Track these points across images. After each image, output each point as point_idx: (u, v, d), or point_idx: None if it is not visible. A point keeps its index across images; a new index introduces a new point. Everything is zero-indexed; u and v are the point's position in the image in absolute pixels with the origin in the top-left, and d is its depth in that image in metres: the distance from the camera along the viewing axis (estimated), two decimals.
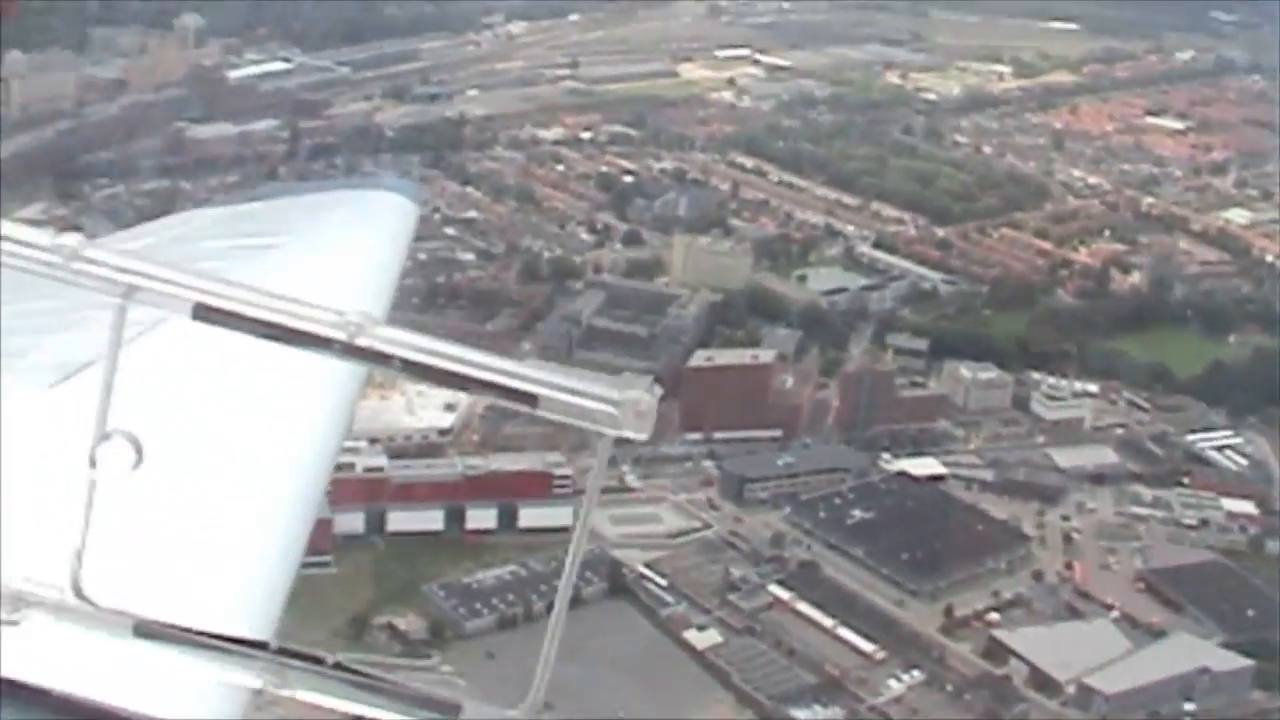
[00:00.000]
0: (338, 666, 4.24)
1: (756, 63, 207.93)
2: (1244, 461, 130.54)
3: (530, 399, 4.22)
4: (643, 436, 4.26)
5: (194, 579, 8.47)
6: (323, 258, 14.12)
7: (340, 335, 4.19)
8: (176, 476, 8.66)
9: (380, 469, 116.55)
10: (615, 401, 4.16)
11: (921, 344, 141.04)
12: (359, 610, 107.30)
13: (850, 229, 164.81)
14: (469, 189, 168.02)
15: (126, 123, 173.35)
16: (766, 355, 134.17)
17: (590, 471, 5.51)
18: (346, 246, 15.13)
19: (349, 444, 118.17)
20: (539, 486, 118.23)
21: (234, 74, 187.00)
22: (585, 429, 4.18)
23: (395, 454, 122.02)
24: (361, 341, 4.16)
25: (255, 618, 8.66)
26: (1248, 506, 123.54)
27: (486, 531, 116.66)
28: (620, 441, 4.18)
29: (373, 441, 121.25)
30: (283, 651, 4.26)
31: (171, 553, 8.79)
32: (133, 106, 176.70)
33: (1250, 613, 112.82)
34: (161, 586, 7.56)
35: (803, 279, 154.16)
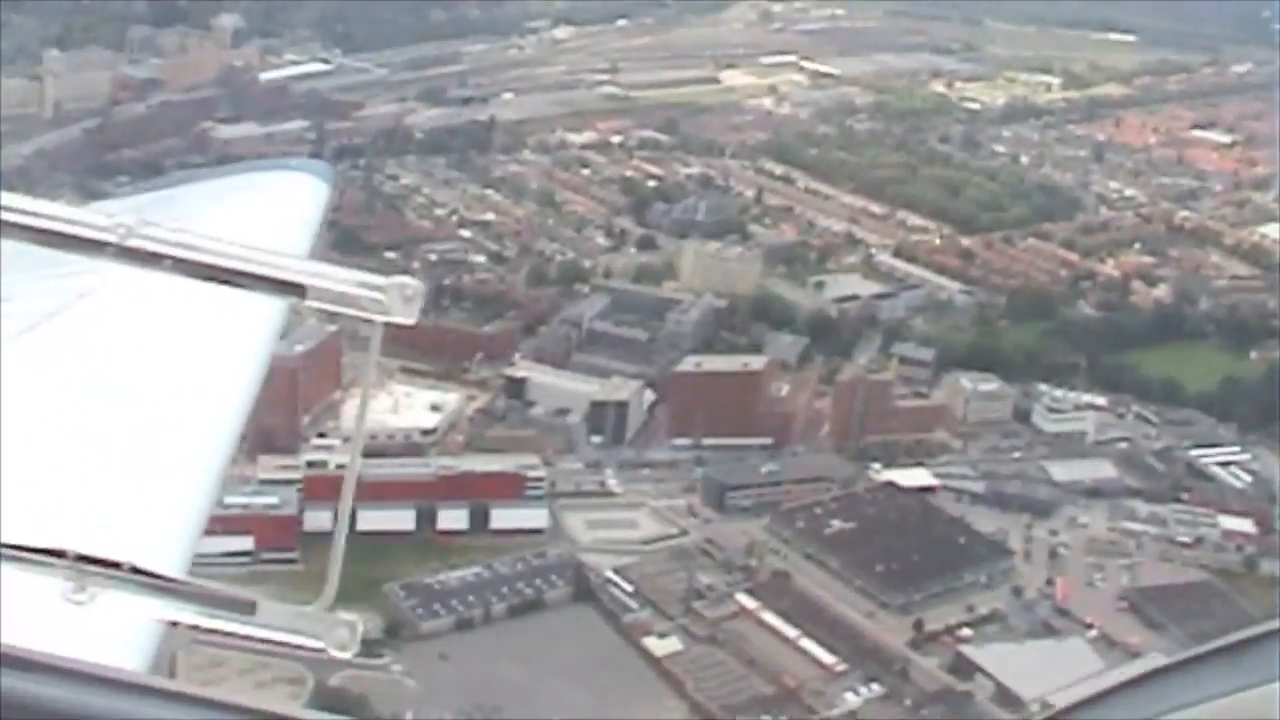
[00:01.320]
0: (135, 570, 4.36)
1: (801, 70, 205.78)
2: (1248, 479, 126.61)
3: (299, 289, 4.54)
4: (410, 321, 4.52)
5: (115, 518, 8.97)
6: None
7: (111, 238, 4.33)
8: (99, 427, 9.88)
9: None
10: (382, 288, 4.42)
11: (928, 354, 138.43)
12: None
13: (873, 237, 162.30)
14: (489, 191, 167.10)
15: (154, 122, 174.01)
16: (758, 362, 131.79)
17: (368, 354, 5.46)
18: (253, 228, 14.95)
19: (323, 442, 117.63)
20: (512, 487, 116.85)
21: (268, 75, 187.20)
22: (356, 317, 4.49)
23: (376, 453, 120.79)
24: (132, 243, 4.33)
25: (171, 554, 9.12)
26: (1246, 525, 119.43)
27: (457, 532, 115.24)
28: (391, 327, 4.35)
29: (347, 440, 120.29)
30: (81, 558, 4.32)
31: (98, 495, 9.35)
32: (163, 106, 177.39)
33: None
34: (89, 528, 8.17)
35: (820, 286, 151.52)
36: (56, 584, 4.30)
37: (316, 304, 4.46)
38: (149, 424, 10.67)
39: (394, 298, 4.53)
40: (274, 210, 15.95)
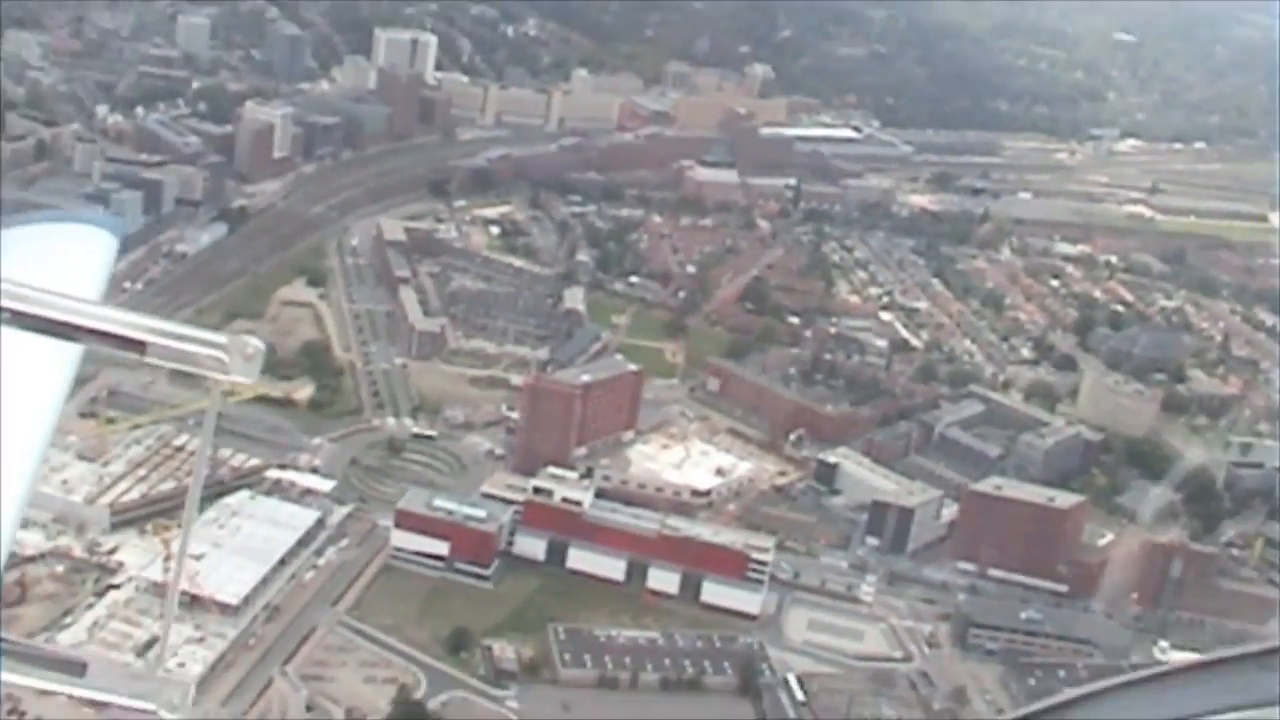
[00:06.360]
0: None
1: None
2: None
3: (139, 345, 4.54)
4: (250, 380, 4.70)
5: None
6: None
7: None
8: None
9: (578, 503, 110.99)
10: (223, 346, 4.53)
11: None
12: (474, 628, 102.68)
13: None
14: (935, 281, 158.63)
15: (634, 151, 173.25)
16: (1067, 500, 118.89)
17: (205, 415, 5.88)
18: (37, 280, 15.30)
19: (556, 471, 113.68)
20: (733, 565, 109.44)
21: (771, 129, 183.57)
22: (195, 374, 4.54)
23: (639, 502, 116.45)
24: None
25: None
26: None
27: (666, 595, 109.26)
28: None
29: (584, 475, 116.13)
30: None
31: None
32: (650, 139, 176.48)
33: None
34: None
35: (1246, 448, 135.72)
36: None
37: (155, 360, 4.54)
38: None
39: (235, 357, 4.74)
40: (60, 262, 14.99)
